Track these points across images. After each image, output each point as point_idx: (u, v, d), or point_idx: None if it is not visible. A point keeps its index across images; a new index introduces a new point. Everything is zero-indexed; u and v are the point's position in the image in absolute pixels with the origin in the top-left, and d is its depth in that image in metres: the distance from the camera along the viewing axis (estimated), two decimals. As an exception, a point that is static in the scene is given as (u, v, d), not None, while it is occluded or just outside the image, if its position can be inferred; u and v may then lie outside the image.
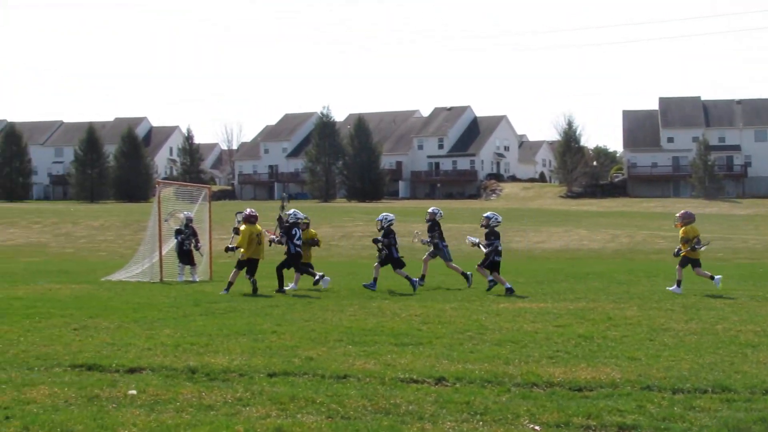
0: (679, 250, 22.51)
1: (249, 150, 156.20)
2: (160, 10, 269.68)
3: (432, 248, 25.52)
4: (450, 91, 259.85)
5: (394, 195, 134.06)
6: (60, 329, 14.67)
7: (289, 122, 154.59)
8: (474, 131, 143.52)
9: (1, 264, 41.85)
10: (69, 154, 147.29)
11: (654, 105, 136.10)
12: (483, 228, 23.65)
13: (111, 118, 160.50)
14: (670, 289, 22.11)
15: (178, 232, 27.82)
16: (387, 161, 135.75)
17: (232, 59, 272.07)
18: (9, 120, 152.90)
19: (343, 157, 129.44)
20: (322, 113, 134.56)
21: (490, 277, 22.97)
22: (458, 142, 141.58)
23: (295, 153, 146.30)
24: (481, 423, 8.31)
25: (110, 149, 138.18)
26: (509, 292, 21.70)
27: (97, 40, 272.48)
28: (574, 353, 12.05)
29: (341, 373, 10.56)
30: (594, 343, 12.97)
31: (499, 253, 23.02)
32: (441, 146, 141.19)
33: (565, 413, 8.62)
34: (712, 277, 22.28)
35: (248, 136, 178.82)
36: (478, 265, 23.23)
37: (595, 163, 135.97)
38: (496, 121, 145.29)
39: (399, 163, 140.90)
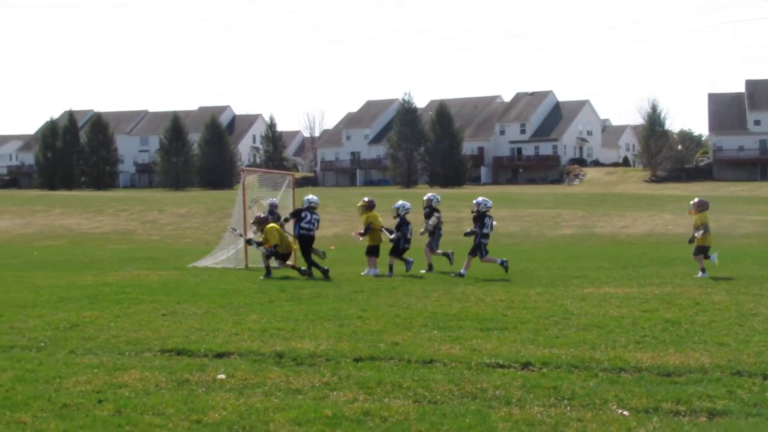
0: (693, 237, 22.81)
1: (331, 137, 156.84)
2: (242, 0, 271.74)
3: (429, 237, 25.62)
4: (532, 76, 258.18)
5: (475, 181, 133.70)
6: (149, 315, 14.89)
7: (371, 109, 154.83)
8: (556, 116, 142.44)
9: (90, 251, 42.58)
10: (154, 142, 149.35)
11: (740, 88, 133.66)
12: (473, 214, 23.76)
13: (195, 107, 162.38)
14: (698, 276, 21.63)
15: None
16: (469, 147, 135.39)
17: (313, 46, 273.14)
18: (96, 110, 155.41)
19: (424, 143, 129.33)
20: (403, 100, 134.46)
21: (500, 260, 23.24)
22: (540, 127, 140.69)
23: (376, 139, 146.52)
24: (568, 408, 8.26)
25: (194, 137, 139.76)
26: (503, 264, 22.92)
27: (182, 31, 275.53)
28: (661, 338, 11.91)
29: (427, 357, 10.56)
30: (681, 328, 12.80)
31: (486, 236, 23.51)
32: (523, 131, 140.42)
33: (653, 398, 8.53)
34: (703, 270, 22.03)
35: (330, 123, 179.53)
36: (480, 259, 23.47)
37: (680, 147, 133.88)
38: (579, 106, 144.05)
39: (481, 149, 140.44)
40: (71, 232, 60.54)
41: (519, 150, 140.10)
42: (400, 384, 9.18)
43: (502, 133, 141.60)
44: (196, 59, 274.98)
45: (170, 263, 29.85)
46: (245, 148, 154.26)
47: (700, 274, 21.81)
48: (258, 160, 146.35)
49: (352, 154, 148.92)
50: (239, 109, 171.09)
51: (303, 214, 23.57)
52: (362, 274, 23.43)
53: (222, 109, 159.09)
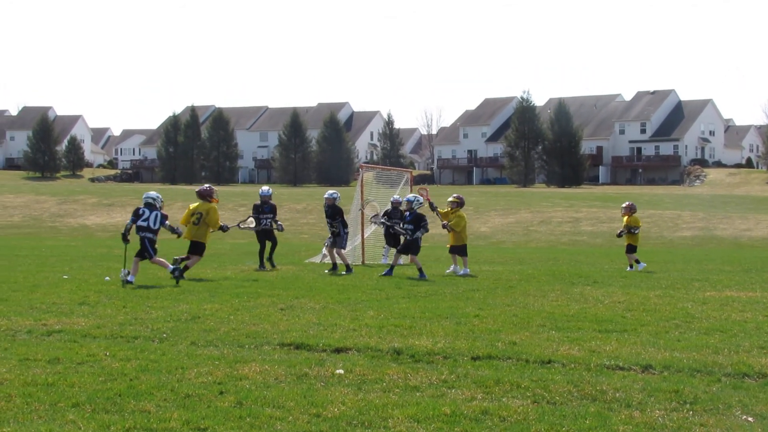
0: (621, 233, 26.44)
1: (448, 134, 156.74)
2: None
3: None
4: (654, 75, 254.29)
5: (594, 180, 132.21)
6: (267, 308, 15.07)
7: (489, 107, 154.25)
8: (678, 115, 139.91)
9: (209, 245, 43.24)
10: (273, 138, 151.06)
11: None
12: (405, 212, 23.70)
13: (314, 104, 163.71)
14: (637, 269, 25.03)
15: (386, 215, 28.08)
16: (587, 146, 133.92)
17: (431, 44, 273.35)
18: (217, 105, 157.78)
19: (542, 142, 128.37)
20: (522, 98, 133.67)
21: (400, 260, 23.79)
22: (661, 126, 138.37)
23: (494, 138, 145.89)
24: (691, 412, 8.11)
25: (313, 134, 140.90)
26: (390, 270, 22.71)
27: (301, 27, 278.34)
28: (787, 344, 11.62)
29: (545, 358, 10.47)
30: (809, 335, 12.47)
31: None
32: (643, 131, 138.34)
33: (779, 405, 8.33)
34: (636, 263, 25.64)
35: (448, 120, 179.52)
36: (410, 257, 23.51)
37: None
38: (702, 105, 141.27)
39: (599, 148, 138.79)
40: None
41: (639, 150, 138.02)
42: (518, 384, 9.12)
43: (622, 132, 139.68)
44: (315, 56, 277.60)
45: (288, 258, 30.19)
46: (363, 144, 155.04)
47: (632, 268, 25.09)
48: (375, 157, 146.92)
49: (469, 152, 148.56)
50: (357, 106, 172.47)
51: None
52: (447, 272, 23.24)
53: (341, 106, 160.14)
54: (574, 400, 8.52)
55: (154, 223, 19.97)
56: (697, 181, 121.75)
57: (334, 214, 24.99)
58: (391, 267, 22.96)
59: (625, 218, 26.39)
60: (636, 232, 26.37)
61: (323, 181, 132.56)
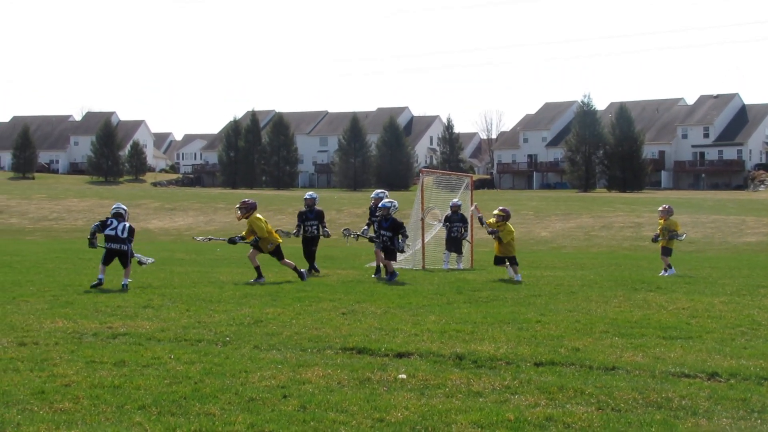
0: (657, 237, 26.07)
1: (508, 139, 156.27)
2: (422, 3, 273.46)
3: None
4: (717, 79, 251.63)
5: (655, 185, 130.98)
6: (329, 313, 15.11)
7: (549, 111, 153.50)
8: (742, 119, 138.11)
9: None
10: (333, 143, 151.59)
11: None
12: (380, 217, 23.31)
13: (373, 108, 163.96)
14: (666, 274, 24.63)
15: (446, 219, 28.04)
16: (649, 150, 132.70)
17: (490, 49, 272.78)
18: (277, 110, 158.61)
19: (603, 146, 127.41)
20: (582, 102, 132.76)
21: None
22: (725, 130, 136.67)
23: (554, 142, 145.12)
24: (759, 421, 8.01)
25: (372, 138, 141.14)
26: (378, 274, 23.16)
27: (362, 32, 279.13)
28: None
29: (609, 364, 10.40)
30: None
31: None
32: (706, 135, 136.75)
33: None
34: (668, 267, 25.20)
35: (508, 125, 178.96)
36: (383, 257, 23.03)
37: None
38: (766, 109, 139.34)
39: (662, 153, 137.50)
40: (252, 230, 61.88)
41: (702, 154, 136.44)
42: (582, 390, 9.07)
43: (685, 136, 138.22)
44: (375, 60, 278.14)
45: (348, 263, 30.25)
46: (422, 149, 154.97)
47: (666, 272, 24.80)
48: (434, 162, 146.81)
49: (529, 156, 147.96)
50: (417, 110, 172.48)
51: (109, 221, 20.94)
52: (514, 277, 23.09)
53: (400, 110, 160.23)
54: (639, 408, 8.45)
55: (122, 233, 20.27)
56: (762, 186, 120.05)
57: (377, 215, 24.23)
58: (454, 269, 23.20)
59: (662, 221, 25.86)
60: (681, 238, 26.10)
61: (383, 186, 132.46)
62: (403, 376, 9.64)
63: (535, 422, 7.88)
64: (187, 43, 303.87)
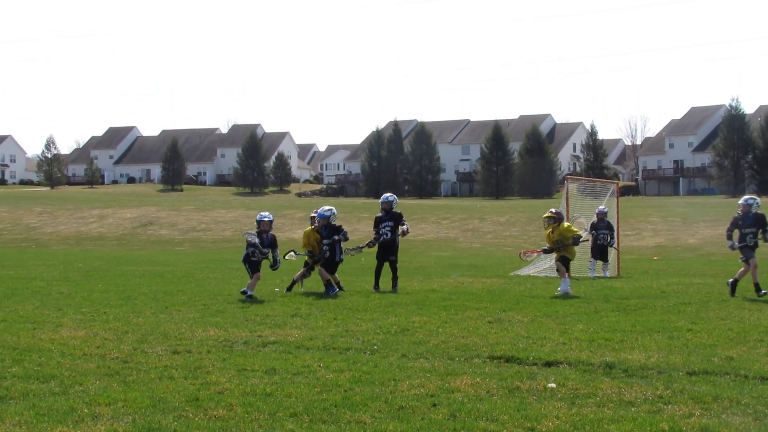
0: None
1: (653, 145, 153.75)
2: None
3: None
4: None
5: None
6: (475, 321, 15.07)
7: (696, 115, 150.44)
8: None
9: (414, 257, 43.67)
10: (475, 151, 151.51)
11: None
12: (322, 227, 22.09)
13: (515, 116, 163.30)
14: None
15: (592, 227, 27.73)
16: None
17: (634, 52, 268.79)
18: (419, 119, 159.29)
19: (753, 151, 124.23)
20: (730, 105, 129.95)
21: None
22: None
23: (701, 147, 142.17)
24: None
25: (515, 146, 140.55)
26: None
27: (500, 40, 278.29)
28: None
29: (765, 374, 10.11)
30: None
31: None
32: None
33: None
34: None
35: (653, 130, 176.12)
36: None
37: None
38: None
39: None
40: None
41: None
42: (738, 400, 8.83)
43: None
44: (517, 68, 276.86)
45: (493, 271, 30.18)
46: (565, 156, 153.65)
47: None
48: (578, 169, 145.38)
49: (675, 162, 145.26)
50: (560, 117, 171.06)
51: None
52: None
53: (542, 118, 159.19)
54: (800, 420, 8.19)
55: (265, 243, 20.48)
56: None
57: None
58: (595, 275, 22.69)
59: None
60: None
61: (526, 194, 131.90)
62: (553, 385, 9.55)
63: (691, 433, 7.72)
64: (330, 58, 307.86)
